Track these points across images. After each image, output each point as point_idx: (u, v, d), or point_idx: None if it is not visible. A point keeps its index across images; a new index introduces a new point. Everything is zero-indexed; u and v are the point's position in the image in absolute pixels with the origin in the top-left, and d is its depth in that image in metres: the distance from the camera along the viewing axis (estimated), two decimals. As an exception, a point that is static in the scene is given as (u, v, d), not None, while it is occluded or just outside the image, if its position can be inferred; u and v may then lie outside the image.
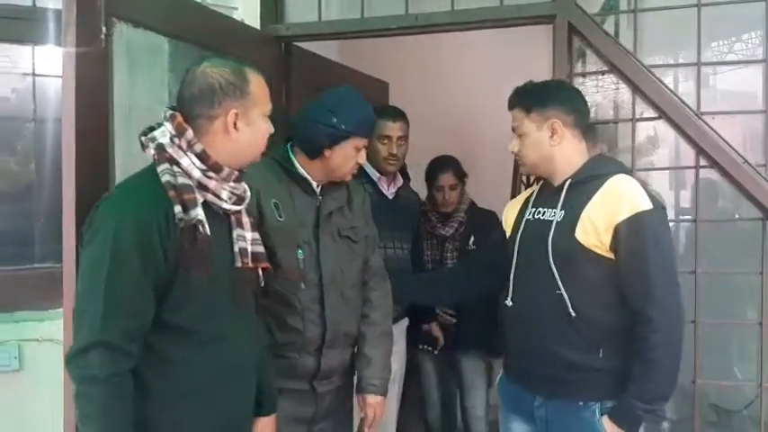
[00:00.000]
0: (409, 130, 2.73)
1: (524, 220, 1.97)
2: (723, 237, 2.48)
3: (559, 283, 1.80)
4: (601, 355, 1.78)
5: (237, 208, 1.54)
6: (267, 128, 1.56)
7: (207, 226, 1.43)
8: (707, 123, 2.28)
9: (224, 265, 1.51)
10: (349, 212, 2.07)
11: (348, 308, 2.01)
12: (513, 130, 1.94)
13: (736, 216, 2.47)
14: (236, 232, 1.55)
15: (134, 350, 1.37)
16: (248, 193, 1.58)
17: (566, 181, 1.88)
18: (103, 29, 1.78)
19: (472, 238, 2.93)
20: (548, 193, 1.95)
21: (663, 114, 2.32)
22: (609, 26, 2.50)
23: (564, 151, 1.89)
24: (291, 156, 1.99)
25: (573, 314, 1.78)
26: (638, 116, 2.37)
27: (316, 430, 2.01)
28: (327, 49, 3.19)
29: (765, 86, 2.28)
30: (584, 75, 2.47)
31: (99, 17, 1.76)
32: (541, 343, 1.84)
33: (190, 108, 1.48)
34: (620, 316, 1.77)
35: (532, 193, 2.04)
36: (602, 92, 2.55)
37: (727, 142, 2.26)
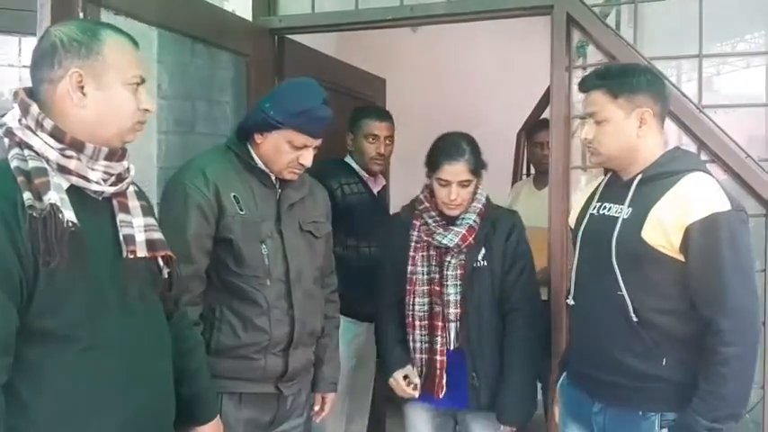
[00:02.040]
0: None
1: (588, 214, 1.86)
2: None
3: (621, 284, 1.69)
4: (664, 363, 1.66)
5: (114, 189, 1.34)
6: (129, 97, 1.34)
7: (68, 211, 1.23)
8: (709, 117, 2.22)
9: (105, 256, 1.31)
10: (311, 205, 2.01)
11: (312, 304, 1.96)
12: (590, 115, 1.78)
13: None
14: (119, 217, 1.35)
15: (4, 363, 1.19)
16: (132, 173, 1.39)
17: (636, 175, 1.75)
18: (81, 16, 1.72)
19: (483, 252, 2.18)
20: (615, 187, 1.82)
21: (664, 108, 2.26)
22: (610, 20, 2.45)
23: (648, 144, 1.75)
24: (249, 148, 1.89)
25: (634, 318, 1.67)
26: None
27: None
28: (325, 45, 3.15)
29: (767, 80, 2.22)
30: (583, 68, 2.41)
31: (75, 3, 1.71)
32: (601, 346, 1.75)
33: (33, 77, 1.31)
34: (688, 323, 1.64)
35: (600, 184, 1.93)
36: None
37: (729, 136, 2.20)
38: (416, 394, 2.21)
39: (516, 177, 4.11)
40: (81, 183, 1.29)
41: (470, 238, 2.14)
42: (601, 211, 1.82)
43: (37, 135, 1.27)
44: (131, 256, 1.35)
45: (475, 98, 4.56)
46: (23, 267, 1.19)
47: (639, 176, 1.75)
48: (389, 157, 2.82)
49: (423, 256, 2.19)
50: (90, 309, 1.28)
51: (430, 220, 2.20)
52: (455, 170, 2.11)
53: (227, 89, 2.51)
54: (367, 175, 2.78)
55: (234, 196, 1.81)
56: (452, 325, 2.14)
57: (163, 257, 1.43)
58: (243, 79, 2.50)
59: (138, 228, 1.38)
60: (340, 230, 2.39)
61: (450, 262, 2.16)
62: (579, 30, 2.33)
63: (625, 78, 1.75)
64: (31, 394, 1.23)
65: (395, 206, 2.87)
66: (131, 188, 1.41)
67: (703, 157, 2.24)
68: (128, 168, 1.39)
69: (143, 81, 1.37)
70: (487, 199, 2.25)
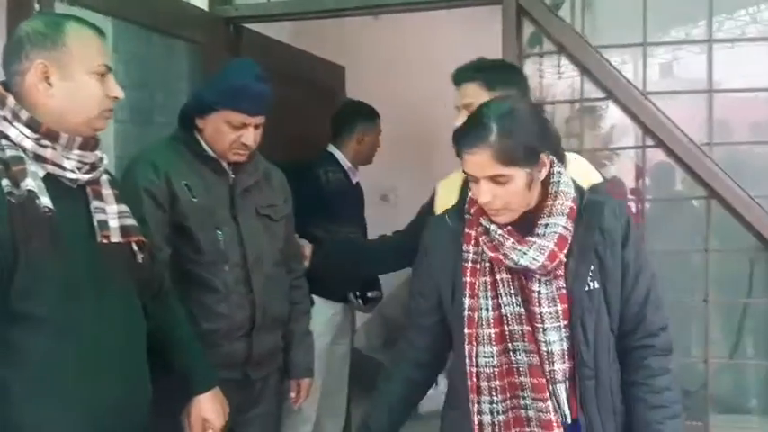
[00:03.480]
0: None
1: None
2: (677, 217, 2.53)
3: None
4: None
5: (88, 177, 1.39)
6: (95, 85, 1.38)
7: (45, 198, 1.28)
8: (653, 103, 2.30)
9: (81, 242, 1.37)
10: (267, 188, 2.01)
11: (275, 288, 1.96)
12: (466, 106, 1.84)
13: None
14: (93, 204, 1.40)
15: None
16: (105, 161, 1.44)
17: None
18: (36, 6, 1.73)
19: (592, 268, 1.44)
20: None
21: (610, 95, 2.34)
22: (566, 8, 2.50)
23: None
24: (197, 135, 1.89)
25: None
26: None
27: (246, 420, 1.96)
28: (283, 33, 3.16)
29: (708, 68, 2.31)
30: (540, 55, 2.47)
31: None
32: None
33: (6, 71, 1.36)
34: None
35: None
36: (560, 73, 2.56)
37: (672, 122, 2.28)
38: None
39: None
40: (56, 171, 1.34)
41: (561, 255, 1.41)
42: None
43: (13, 126, 1.32)
44: (105, 242, 1.39)
45: (437, 85, 4.56)
46: (3, 251, 1.25)
47: None
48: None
49: (485, 282, 1.46)
50: (65, 292, 1.33)
51: (493, 227, 1.44)
52: (476, 161, 1.39)
53: (184, 78, 2.52)
54: (349, 165, 2.93)
55: (185, 184, 1.82)
56: (561, 387, 1.43)
57: (137, 243, 1.47)
58: (199, 68, 2.51)
59: (111, 214, 1.42)
60: (324, 216, 2.57)
61: (539, 293, 1.42)
62: (529, 19, 2.40)
63: (500, 73, 1.86)
64: (11, 375, 1.29)
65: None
66: (105, 176, 1.46)
67: (648, 141, 2.33)
68: (101, 158, 1.43)
69: (109, 70, 1.41)
70: (579, 190, 1.50)
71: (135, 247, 1.46)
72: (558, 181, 1.44)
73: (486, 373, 1.44)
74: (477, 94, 1.83)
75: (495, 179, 1.38)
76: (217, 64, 2.51)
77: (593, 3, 2.51)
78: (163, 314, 1.64)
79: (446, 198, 2.01)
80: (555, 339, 1.41)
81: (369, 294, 3.06)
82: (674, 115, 2.30)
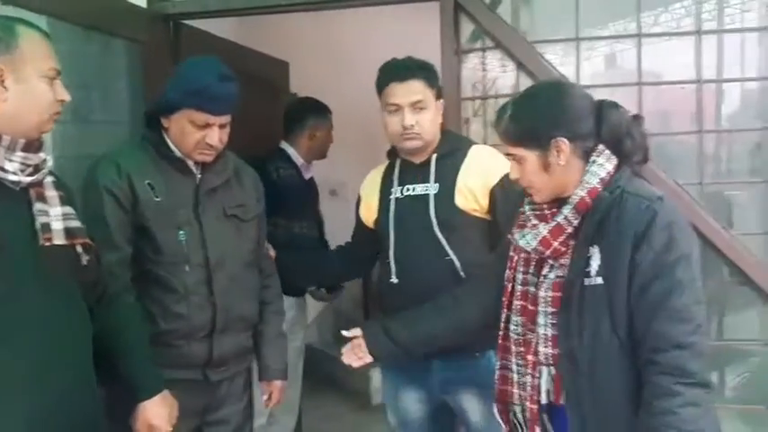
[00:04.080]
0: None
1: (392, 198, 2.02)
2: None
3: (448, 249, 1.91)
4: None
5: (30, 179, 1.39)
6: (46, 89, 1.40)
7: None
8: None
9: (23, 245, 1.37)
10: (238, 188, 1.99)
11: (240, 290, 1.94)
12: (414, 103, 1.95)
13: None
14: (36, 207, 1.40)
15: None
16: (49, 164, 1.44)
17: (430, 156, 1.99)
18: (-33, 4, 1.69)
19: (598, 258, 1.41)
20: (412, 169, 2.02)
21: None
22: (506, 4, 2.54)
23: (439, 128, 2.03)
24: (164, 135, 1.88)
25: (462, 275, 1.90)
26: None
27: (212, 420, 1.96)
28: (226, 29, 3.15)
29: (638, 61, 2.40)
30: (483, 50, 2.52)
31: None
32: None
33: None
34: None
35: (387, 172, 2.10)
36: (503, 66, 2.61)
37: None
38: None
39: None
40: None
41: (555, 243, 1.45)
42: (405, 193, 2.01)
43: None
44: (48, 244, 1.39)
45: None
46: None
47: (435, 156, 1.98)
48: None
49: (524, 258, 1.54)
50: (7, 295, 1.32)
51: (528, 209, 1.53)
52: (500, 140, 1.55)
53: (123, 77, 2.49)
54: (301, 161, 2.95)
55: (148, 184, 1.81)
56: (544, 370, 1.49)
57: (82, 245, 1.46)
58: (138, 66, 2.48)
59: (55, 216, 1.42)
60: (276, 212, 2.57)
61: (545, 277, 1.49)
62: (466, 15, 2.45)
63: (432, 71, 1.99)
64: None
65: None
66: (49, 178, 1.46)
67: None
68: (45, 159, 1.43)
69: (59, 73, 1.43)
70: (612, 180, 1.44)
71: (80, 250, 1.46)
72: (588, 170, 1.44)
73: (515, 340, 1.54)
74: (424, 91, 1.95)
75: (513, 158, 1.49)
76: (156, 61, 2.51)
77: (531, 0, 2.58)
78: (108, 318, 1.63)
79: (368, 197, 2.14)
80: (542, 323, 1.47)
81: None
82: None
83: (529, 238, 1.47)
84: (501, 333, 1.57)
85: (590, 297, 1.39)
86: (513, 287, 1.55)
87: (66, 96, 1.44)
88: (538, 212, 1.49)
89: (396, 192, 2.02)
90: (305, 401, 3.29)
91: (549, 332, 1.45)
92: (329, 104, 3.12)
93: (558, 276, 1.45)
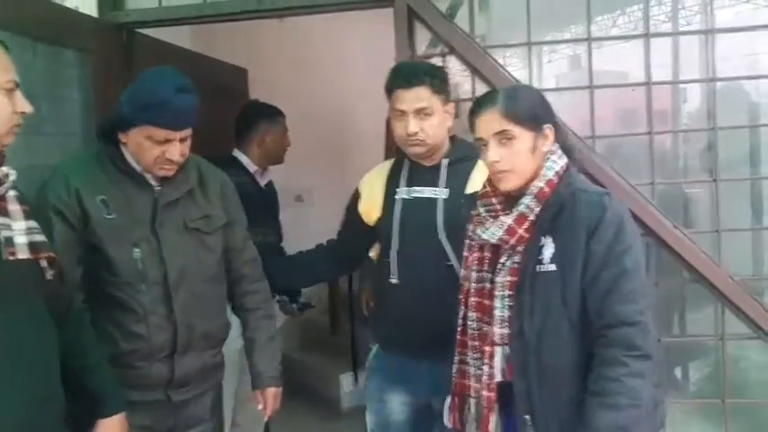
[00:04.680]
0: None
1: (399, 199, 2.01)
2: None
3: (450, 255, 1.91)
4: None
5: None
6: (5, 102, 1.37)
7: None
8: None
9: None
10: (201, 199, 1.90)
11: (204, 306, 1.87)
12: (420, 110, 1.92)
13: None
14: None
15: None
16: (11, 177, 1.41)
17: (441, 161, 1.99)
18: None
19: (551, 250, 1.55)
20: (422, 172, 2.01)
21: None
22: (464, 10, 2.56)
23: (447, 134, 2.01)
24: (123, 149, 1.80)
25: None
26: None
27: None
28: (182, 37, 3.12)
29: (589, 64, 2.44)
30: (443, 55, 2.52)
31: None
32: (432, 312, 1.89)
33: None
34: None
35: (394, 173, 2.08)
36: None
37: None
38: None
39: (388, 156, 4.23)
40: None
41: (520, 230, 1.56)
42: (413, 195, 2.00)
43: None
44: (11, 258, 1.36)
45: (342, 87, 4.60)
46: None
47: (446, 161, 1.98)
48: None
49: (477, 258, 1.68)
50: None
51: (482, 209, 1.66)
52: (485, 120, 1.58)
53: (74, 88, 2.46)
54: (255, 168, 2.87)
55: (102, 200, 1.74)
56: (499, 350, 1.60)
57: (47, 259, 1.45)
58: (90, 77, 2.45)
59: (18, 231, 1.40)
60: None
61: (503, 264, 1.61)
62: (420, 21, 2.47)
63: (439, 76, 1.96)
64: None
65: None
66: (12, 192, 1.43)
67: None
68: (7, 173, 1.40)
69: (17, 85, 1.40)
70: (565, 176, 1.59)
71: (44, 264, 1.44)
72: (545, 165, 1.59)
73: (471, 335, 1.67)
74: (429, 97, 1.92)
75: (502, 136, 1.55)
76: (109, 71, 2.49)
77: (488, 5, 2.61)
78: (70, 335, 1.58)
79: (371, 195, 2.09)
80: (498, 306, 1.59)
81: (301, 300, 3.06)
82: (579, 109, 2.43)
83: (493, 230, 1.59)
84: (459, 329, 1.70)
85: (542, 281, 1.54)
86: (468, 286, 1.68)
87: (28, 108, 1.41)
88: (492, 213, 1.62)
89: (402, 192, 2.01)
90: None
91: (506, 313, 1.58)
92: (292, 111, 3.08)
93: (514, 263, 1.58)
